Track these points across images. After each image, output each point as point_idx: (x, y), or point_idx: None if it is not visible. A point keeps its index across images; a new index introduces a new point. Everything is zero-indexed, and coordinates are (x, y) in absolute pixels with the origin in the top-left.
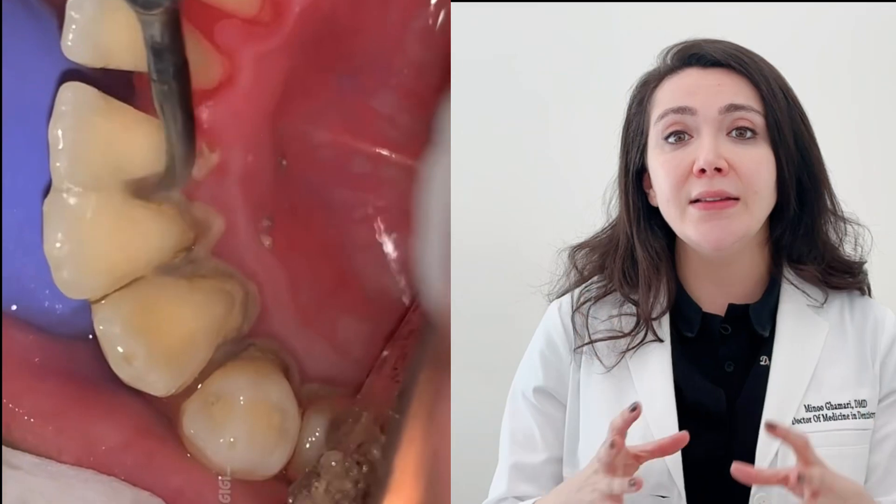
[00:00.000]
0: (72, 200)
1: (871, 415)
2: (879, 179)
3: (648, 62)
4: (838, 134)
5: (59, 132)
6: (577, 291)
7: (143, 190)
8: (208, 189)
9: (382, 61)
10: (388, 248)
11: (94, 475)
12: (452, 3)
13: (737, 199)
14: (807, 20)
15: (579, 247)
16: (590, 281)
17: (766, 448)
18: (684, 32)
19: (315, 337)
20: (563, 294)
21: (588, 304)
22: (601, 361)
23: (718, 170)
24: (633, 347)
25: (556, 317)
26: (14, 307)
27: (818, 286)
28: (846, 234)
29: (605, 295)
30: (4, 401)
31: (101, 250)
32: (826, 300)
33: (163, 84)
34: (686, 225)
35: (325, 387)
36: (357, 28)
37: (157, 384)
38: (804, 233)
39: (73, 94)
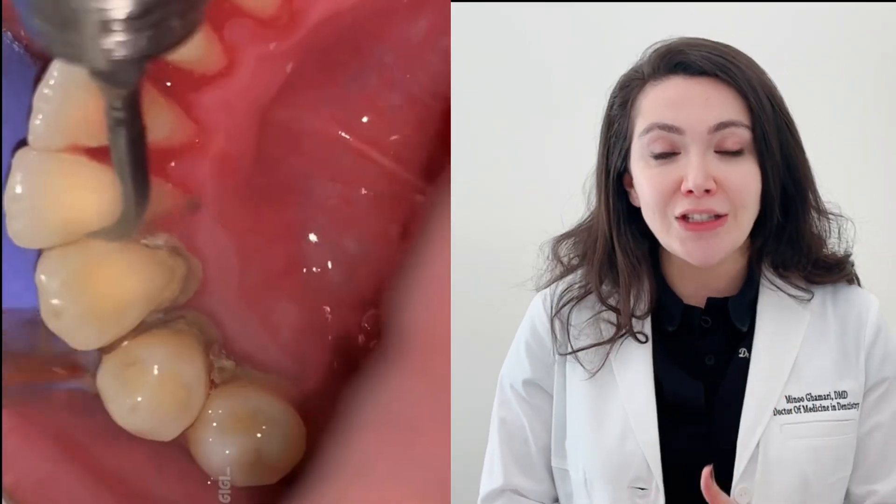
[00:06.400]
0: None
1: (852, 405)
2: (875, 174)
3: None
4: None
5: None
6: (557, 291)
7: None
8: (180, 169)
9: (396, 66)
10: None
11: None
12: (452, 3)
13: (725, 215)
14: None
15: (562, 238)
16: (568, 282)
17: (747, 440)
18: (685, 30)
19: (250, 316)
20: (549, 285)
21: (568, 307)
22: (584, 367)
23: (707, 190)
24: (615, 348)
25: (540, 310)
26: None
27: (802, 283)
28: (830, 231)
29: (584, 296)
30: None
31: (52, 206)
32: (811, 296)
33: (118, 144)
34: (672, 239)
35: (243, 368)
36: (378, 38)
37: (80, 340)
38: (788, 239)
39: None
